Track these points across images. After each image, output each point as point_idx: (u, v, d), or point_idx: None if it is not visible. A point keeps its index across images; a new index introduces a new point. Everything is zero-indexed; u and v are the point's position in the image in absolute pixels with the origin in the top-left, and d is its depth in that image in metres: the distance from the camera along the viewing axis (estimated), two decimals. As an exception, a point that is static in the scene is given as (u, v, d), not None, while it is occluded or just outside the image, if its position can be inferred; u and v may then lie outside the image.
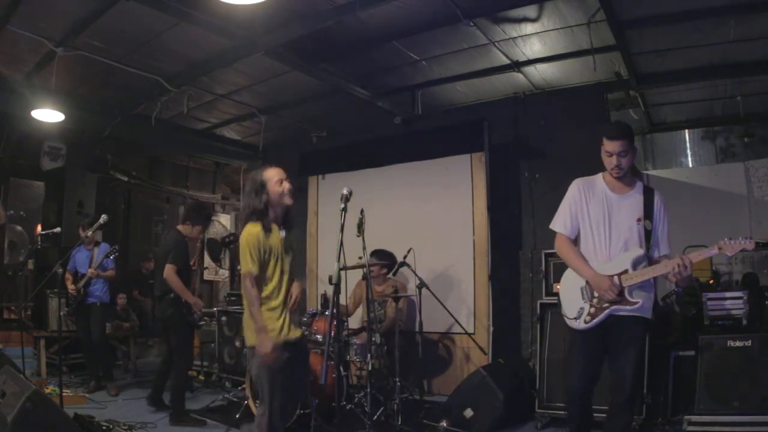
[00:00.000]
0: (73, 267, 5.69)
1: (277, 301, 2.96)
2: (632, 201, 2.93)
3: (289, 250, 3.07)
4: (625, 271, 2.83)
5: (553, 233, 3.12)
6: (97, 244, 5.76)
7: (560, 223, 3.04)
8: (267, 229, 2.95)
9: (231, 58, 4.99)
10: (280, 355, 2.85)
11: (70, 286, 5.57)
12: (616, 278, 2.82)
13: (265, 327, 2.88)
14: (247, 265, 2.90)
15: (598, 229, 2.94)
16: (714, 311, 4.18)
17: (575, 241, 3.06)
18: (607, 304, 2.85)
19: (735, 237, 2.69)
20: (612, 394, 2.89)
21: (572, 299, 2.99)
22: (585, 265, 2.92)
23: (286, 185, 3.00)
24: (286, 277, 3.01)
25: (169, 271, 4.54)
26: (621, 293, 2.81)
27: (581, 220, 2.99)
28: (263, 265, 2.93)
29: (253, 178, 3.04)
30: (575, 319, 2.94)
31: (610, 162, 2.91)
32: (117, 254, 5.63)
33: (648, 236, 2.85)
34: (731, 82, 5.59)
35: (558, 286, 3.19)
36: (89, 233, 5.31)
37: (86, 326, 5.65)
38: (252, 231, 2.93)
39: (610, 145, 2.88)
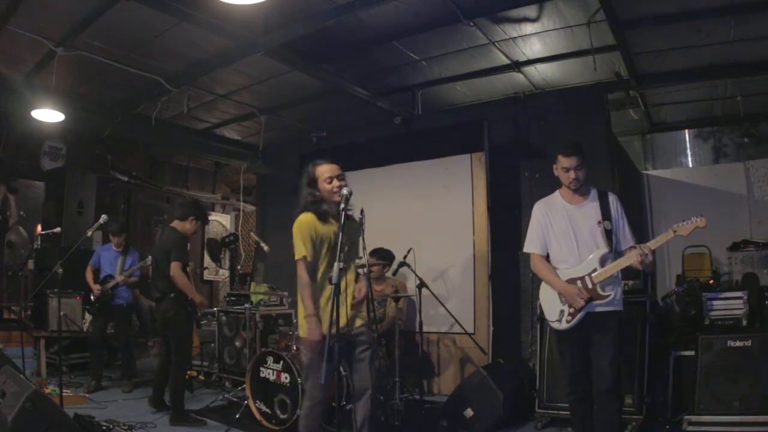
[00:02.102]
0: (97, 263, 5.76)
1: (322, 292, 2.99)
2: (589, 207, 3.22)
3: (344, 244, 2.96)
4: (594, 270, 3.11)
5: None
6: (126, 248, 5.82)
7: (531, 245, 3.36)
8: (322, 219, 3.02)
9: (231, 58, 4.99)
10: (322, 344, 2.83)
11: (94, 286, 5.62)
12: (587, 278, 3.11)
13: (313, 312, 2.96)
14: (300, 250, 3.02)
15: (565, 239, 3.22)
16: (714, 311, 4.18)
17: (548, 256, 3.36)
18: (582, 302, 3.11)
19: (687, 219, 2.98)
20: (595, 383, 3.11)
21: (552, 304, 3.26)
22: (555, 278, 3.23)
23: (336, 183, 3.04)
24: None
25: (175, 268, 4.49)
26: (593, 290, 3.09)
27: (548, 237, 3.30)
28: (316, 253, 3.01)
29: (307, 172, 3.11)
30: (557, 321, 3.22)
31: (567, 177, 3.19)
32: (149, 264, 5.63)
33: (609, 235, 3.14)
34: (731, 82, 5.60)
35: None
36: (115, 239, 5.49)
37: (102, 327, 5.72)
38: (304, 219, 3.05)
39: (566, 161, 3.16)
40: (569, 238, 3.20)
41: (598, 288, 3.09)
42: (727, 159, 6.73)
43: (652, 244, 3.03)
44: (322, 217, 3.08)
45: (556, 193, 3.37)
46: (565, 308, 3.18)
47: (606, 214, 3.16)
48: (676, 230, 2.99)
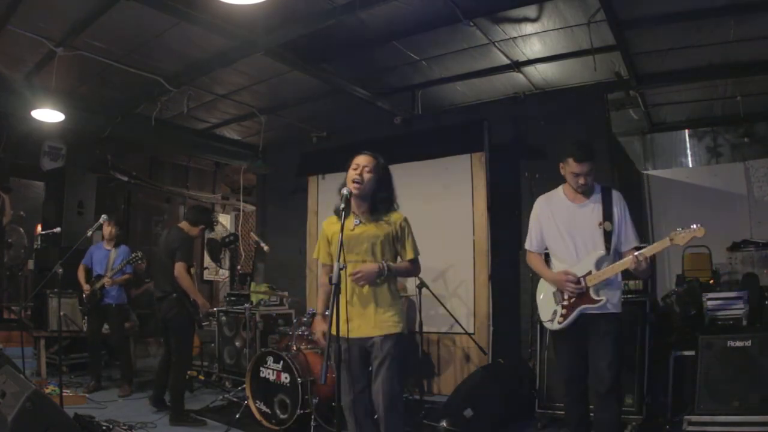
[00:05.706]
0: (89, 262, 5.71)
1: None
2: (591, 207, 3.16)
3: (367, 237, 2.98)
4: (589, 272, 3.08)
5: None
6: (117, 244, 5.72)
7: (528, 242, 3.39)
8: (339, 216, 2.88)
9: (231, 58, 4.99)
10: (331, 346, 2.63)
11: (84, 285, 5.56)
12: (582, 280, 3.07)
13: (321, 311, 3.09)
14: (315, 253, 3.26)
15: (563, 238, 3.19)
16: (714, 311, 4.18)
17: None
18: (576, 304, 3.09)
19: (686, 226, 2.90)
20: (593, 387, 3.08)
21: (547, 304, 3.27)
22: (546, 269, 3.28)
23: (357, 171, 2.92)
24: (353, 266, 2.90)
25: (180, 269, 4.47)
26: (586, 292, 3.07)
27: (546, 235, 3.29)
28: (331, 256, 3.09)
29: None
30: (550, 321, 3.22)
31: (576, 181, 3.13)
32: (140, 262, 5.55)
33: (608, 237, 3.08)
34: (731, 82, 5.59)
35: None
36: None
37: (97, 327, 5.66)
38: (324, 222, 3.23)
39: (577, 167, 3.10)
40: (569, 237, 3.16)
41: (591, 291, 3.06)
42: (726, 159, 6.74)
43: (648, 251, 2.97)
44: (338, 214, 2.91)
45: (560, 189, 3.32)
46: (558, 308, 3.17)
47: (608, 214, 3.10)
48: (673, 239, 2.92)
